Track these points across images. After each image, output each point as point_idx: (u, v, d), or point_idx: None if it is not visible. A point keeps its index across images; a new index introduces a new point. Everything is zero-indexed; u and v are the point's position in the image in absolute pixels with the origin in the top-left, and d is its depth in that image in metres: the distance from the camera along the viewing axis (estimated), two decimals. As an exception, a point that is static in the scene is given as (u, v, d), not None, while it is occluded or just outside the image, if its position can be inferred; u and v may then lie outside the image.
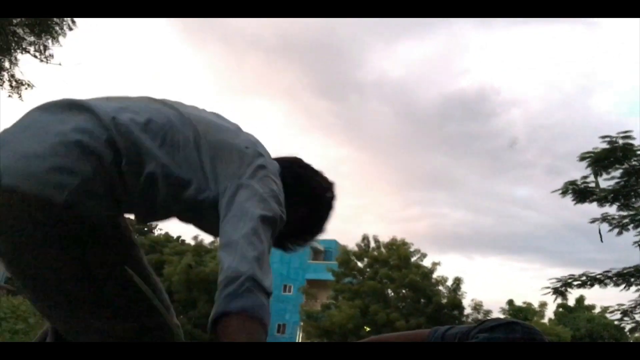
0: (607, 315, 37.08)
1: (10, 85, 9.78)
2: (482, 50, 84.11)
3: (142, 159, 1.26)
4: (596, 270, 12.47)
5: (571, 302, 39.39)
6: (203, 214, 1.35)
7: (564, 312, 39.79)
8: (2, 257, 1.18)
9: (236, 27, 72.49)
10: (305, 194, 1.54)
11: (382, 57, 79.93)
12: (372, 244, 30.29)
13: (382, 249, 29.76)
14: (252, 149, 1.40)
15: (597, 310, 40.02)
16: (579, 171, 12.29)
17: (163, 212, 1.39)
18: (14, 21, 9.36)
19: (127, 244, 1.31)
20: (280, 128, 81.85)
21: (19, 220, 1.12)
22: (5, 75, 9.72)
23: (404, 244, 29.37)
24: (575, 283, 12.60)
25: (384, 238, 30.38)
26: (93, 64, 70.76)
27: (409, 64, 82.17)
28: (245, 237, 1.18)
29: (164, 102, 1.48)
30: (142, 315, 1.25)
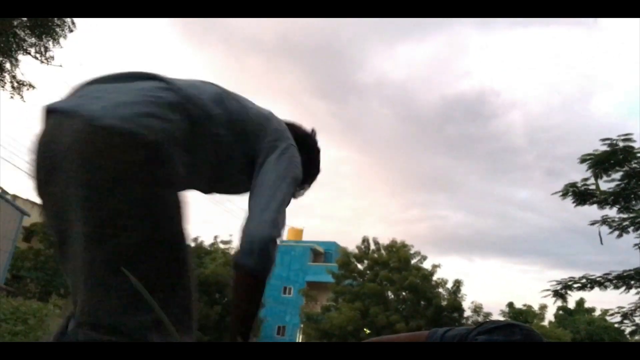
0: (607, 317, 37.06)
1: (12, 87, 9.81)
2: (483, 52, 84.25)
3: (209, 126, 1.46)
4: (596, 273, 12.44)
5: (571, 304, 39.42)
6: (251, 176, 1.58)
7: (564, 315, 39.80)
8: (81, 188, 1.23)
9: (236, 29, 72.60)
10: (304, 146, 1.81)
11: (382, 58, 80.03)
12: (372, 246, 30.29)
13: (382, 251, 29.75)
14: (282, 127, 1.73)
15: (597, 313, 40.01)
16: (579, 173, 12.28)
17: (227, 177, 1.63)
18: (15, 22, 9.38)
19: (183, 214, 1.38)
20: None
21: (113, 157, 1.22)
22: (7, 77, 9.75)
23: (404, 246, 29.35)
24: (575, 285, 12.57)
25: (384, 240, 30.40)
26: (94, 65, 70.79)
27: (410, 66, 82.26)
28: (277, 198, 1.47)
29: (209, 82, 1.67)
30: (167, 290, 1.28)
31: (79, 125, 1.25)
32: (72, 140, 1.24)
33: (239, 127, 1.54)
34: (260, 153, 1.56)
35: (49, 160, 1.29)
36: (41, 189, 1.35)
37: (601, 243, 11.44)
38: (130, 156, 1.22)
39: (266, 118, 1.67)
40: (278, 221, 1.48)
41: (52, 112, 1.35)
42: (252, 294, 1.47)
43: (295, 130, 1.84)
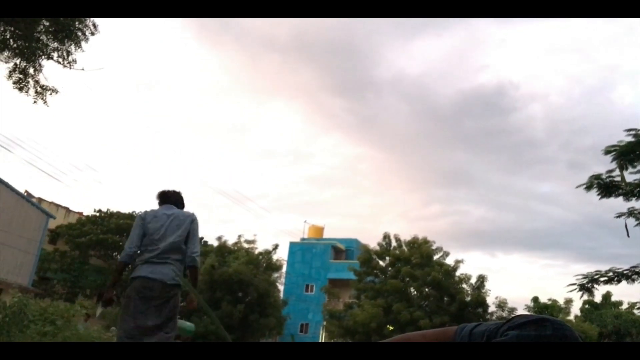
0: (635, 311, 36.52)
1: (35, 91, 9.97)
2: (501, 45, 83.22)
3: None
4: (623, 266, 12.24)
5: (597, 298, 38.82)
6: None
7: (590, 309, 39.22)
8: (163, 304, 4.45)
9: (251, 28, 72.80)
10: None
11: (399, 54, 79.57)
12: (394, 243, 30.19)
13: (404, 248, 29.64)
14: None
15: (625, 306, 39.39)
16: (603, 165, 12.07)
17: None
18: (38, 28, 9.54)
19: None
20: (298, 128, 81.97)
21: (173, 295, 4.49)
22: (31, 82, 9.92)
23: (425, 242, 29.21)
24: (602, 279, 12.36)
25: (405, 236, 30.29)
26: (113, 67, 71.70)
27: (427, 61, 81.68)
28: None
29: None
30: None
31: (159, 283, 4.41)
32: (157, 286, 4.40)
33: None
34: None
35: (146, 293, 4.39)
36: (138, 306, 4.34)
37: (628, 235, 11.22)
38: (175, 291, 4.48)
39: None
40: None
41: (141, 278, 4.46)
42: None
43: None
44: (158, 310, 4.28)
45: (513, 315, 1.21)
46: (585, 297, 13.47)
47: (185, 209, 5.00)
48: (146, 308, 4.25)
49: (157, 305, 4.29)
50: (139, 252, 4.62)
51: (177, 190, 5.06)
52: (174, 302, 4.39)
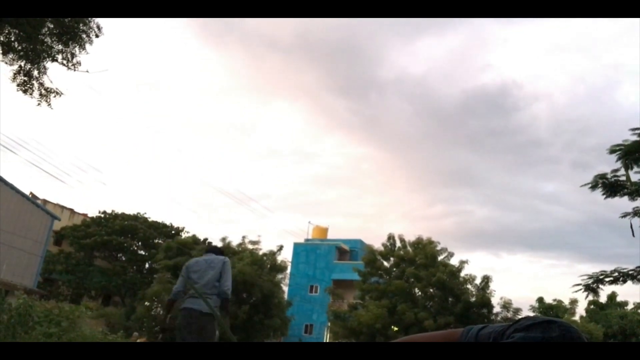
0: (641, 311, 36.41)
1: (40, 94, 9.99)
2: (504, 44, 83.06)
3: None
4: (628, 266, 12.17)
5: (603, 298, 38.66)
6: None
7: (596, 309, 39.05)
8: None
9: (255, 29, 72.87)
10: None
11: (402, 54, 79.55)
12: (398, 243, 30.14)
13: (408, 248, 29.59)
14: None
15: (630, 306, 39.22)
16: (607, 165, 12.03)
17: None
18: (43, 30, 9.56)
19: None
20: (302, 128, 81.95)
21: (205, 322, 5.68)
22: (35, 84, 9.94)
23: (430, 242, 29.15)
24: (607, 279, 12.30)
25: (409, 237, 30.24)
26: (116, 67, 71.85)
27: (430, 61, 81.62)
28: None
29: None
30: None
31: (197, 312, 5.61)
32: (195, 314, 5.63)
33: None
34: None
35: (189, 319, 5.64)
36: (185, 328, 5.67)
37: (633, 235, 11.17)
38: (210, 320, 5.66)
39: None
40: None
41: (185, 309, 5.75)
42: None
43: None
44: (198, 332, 5.61)
45: (519, 317, 1.20)
46: (591, 297, 13.42)
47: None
48: (188, 332, 5.62)
49: (197, 328, 5.63)
50: (183, 290, 6.17)
51: (220, 246, 7.88)
52: (210, 326, 5.73)
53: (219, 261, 6.07)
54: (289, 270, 33.33)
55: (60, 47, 9.86)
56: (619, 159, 11.40)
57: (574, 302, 36.42)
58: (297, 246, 46.64)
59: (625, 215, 11.89)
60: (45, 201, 35.82)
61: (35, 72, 9.87)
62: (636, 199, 11.85)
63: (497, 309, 27.61)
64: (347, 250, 47.12)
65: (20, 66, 9.81)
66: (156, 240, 38.69)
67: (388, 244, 30.13)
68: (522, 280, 79.14)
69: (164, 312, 7.49)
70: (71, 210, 40.56)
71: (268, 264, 30.23)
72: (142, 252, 39.48)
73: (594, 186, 12.01)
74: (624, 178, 11.65)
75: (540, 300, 37.43)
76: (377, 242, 36.02)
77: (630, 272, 12.07)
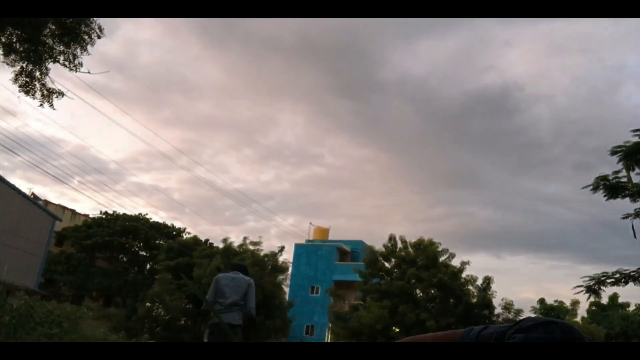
0: (643, 312, 36.34)
1: (42, 94, 10.01)
2: (505, 46, 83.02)
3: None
4: (630, 267, 12.15)
5: (604, 300, 38.63)
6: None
7: (597, 310, 39.01)
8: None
9: (257, 30, 72.92)
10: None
11: (404, 55, 79.56)
12: (399, 244, 30.12)
13: (410, 249, 29.57)
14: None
15: (632, 308, 39.18)
16: (609, 166, 12.02)
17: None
18: (45, 32, 9.58)
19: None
20: (304, 129, 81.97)
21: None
22: (37, 85, 9.96)
23: (431, 243, 29.13)
24: (609, 281, 12.28)
25: (411, 238, 30.21)
26: (119, 68, 71.91)
27: (432, 62, 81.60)
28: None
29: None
30: None
31: (226, 324, 6.39)
32: (225, 326, 7.04)
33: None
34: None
35: (219, 331, 6.39)
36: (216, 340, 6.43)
37: (634, 237, 11.15)
38: (237, 332, 6.54)
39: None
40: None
41: (215, 323, 6.58)
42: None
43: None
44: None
45: (521, 318, 1.20)
46: (592, 299, 13.39)
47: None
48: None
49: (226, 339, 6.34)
50: (214, 301, 6.77)
51: (243, 263, 9.40)
52: (238, 337, 6.51)
53: (245, 282, 6.85)
54: (290, 271, 33.35)
55: (61, 48, 9.88)
56: (620, 160, 11.39)
57: (575, 303, 36.43)
58: (298, 247, 46.61)
59: (626, 216, 11.88)
60: (46, 202, 35.88)
61: (37, 73, 9.89)
62: (637, 201, 11.84)
63: (498, 310, 27.62)
64: (349, 251, 47.09)
65: (22, 67, 9.83)
66: (157, 241, 38.73)
67: (389, 245, 30.10)
68: (524, 282, 79.11)
69: (202, 327, 8.55)
70: (73, 211, 40.61)
71: (269, 265, 30.23)
72: (144, 253, 39.53)
73: (595, 188, 11.99)
74: (625, 179, 11.64)
75: (541, 301, 37.43)
76: (378, 243, 35.98)
77: (632, 274, 12.05)
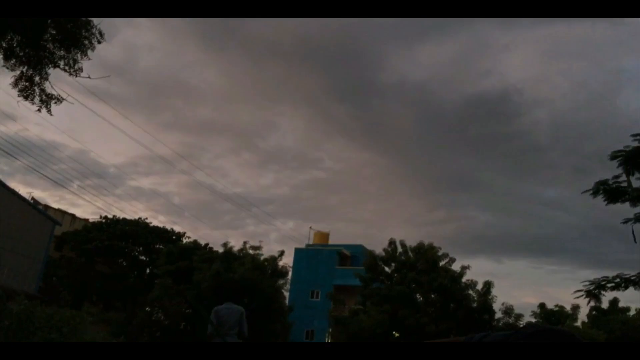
0: (643, 317, 36.25)
1: (41, 100, 10.00)
2: (504, 50, 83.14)
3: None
4: (630, 272, 12.11)
5: (605, 304, 38.56)
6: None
7: (598, 315, 38.92)
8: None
9: (256, 34, 73.04)
10: None
11: (403, 60, 79.67)
12: (399, 249, 30.08)
13: (410, 253, 29.53)
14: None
15: (632, 312, 39.09)
16: (608, 170, 12.01)
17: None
18: (45, 36, 9.58)
19: None
20: (303, 133, 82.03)
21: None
22: (36, 90, 9.94)
23: (431, 248, 29.08)
24: (609, 285, 12.23)
25: (411, 242, 30.17)
26: (118, 71, 71.97)
27: (430, 66, 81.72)
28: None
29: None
30: None
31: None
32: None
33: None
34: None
35: None
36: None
37: (635, 241, 11.14)
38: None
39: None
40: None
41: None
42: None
43: None
44: None
45: (521, 325, 1.20)
46: (592, 303, 13.36)
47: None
48: None
49: None
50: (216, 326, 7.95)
51: (230, 294, 11.38)
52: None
53: (237, 311, 8.16)
54: (290, 276, 33.29)
55: (62, 53, 9.88)
56: (620, 164, 11.37)
57: (575, 308, 36.26)
58: (298, 251, 46.54)
59: (626, 221, 11.84)
60: (46, 206, 35.85)
61: (37, 78, 9.88)
62: (638, 205, 11.81)
63: (498, 314, 27.55)
64: (349, 256, 47.02)
65: (22, 72, 9.83)
66: (157, 246, 38.67)
67: (389, 249, 30.06)
68: (524, 286, 78.98)
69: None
70: (72, 216, 40.57)
71: (269, 269, 30.17)
72: (143, 257, 39.46)
73: (595, 193, 11.97)
74: (625, 184, 11.62)
75: (542, 306, 37.27)
76: (378, 247, 35.89)
77: (632, 278, 12.02)
